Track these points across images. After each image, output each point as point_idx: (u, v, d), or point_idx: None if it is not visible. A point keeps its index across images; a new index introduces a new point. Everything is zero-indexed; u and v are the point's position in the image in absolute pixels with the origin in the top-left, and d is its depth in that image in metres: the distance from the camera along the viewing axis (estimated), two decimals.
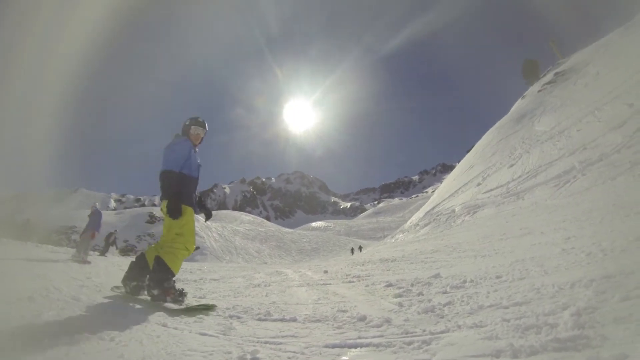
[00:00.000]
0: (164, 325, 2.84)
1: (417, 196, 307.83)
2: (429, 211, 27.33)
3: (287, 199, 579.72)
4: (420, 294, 3.40)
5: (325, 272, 7.63)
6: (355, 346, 2.11)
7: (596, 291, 2.24)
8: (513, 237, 6.94)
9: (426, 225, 22.87)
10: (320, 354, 2.06)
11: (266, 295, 4.87)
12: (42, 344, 2.14)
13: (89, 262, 11.36)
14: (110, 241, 22.07)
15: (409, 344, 2.02)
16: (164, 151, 4.50)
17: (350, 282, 5.27)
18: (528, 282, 2.95)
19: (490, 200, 17.72)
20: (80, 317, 2.98)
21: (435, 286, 3.62)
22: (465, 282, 3.53)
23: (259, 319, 3.18)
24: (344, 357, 1.97)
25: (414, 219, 32.51)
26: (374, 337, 2.24)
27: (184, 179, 4.51)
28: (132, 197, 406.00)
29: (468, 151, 44.97)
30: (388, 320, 2.52)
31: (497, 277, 3.43)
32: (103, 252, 19.90)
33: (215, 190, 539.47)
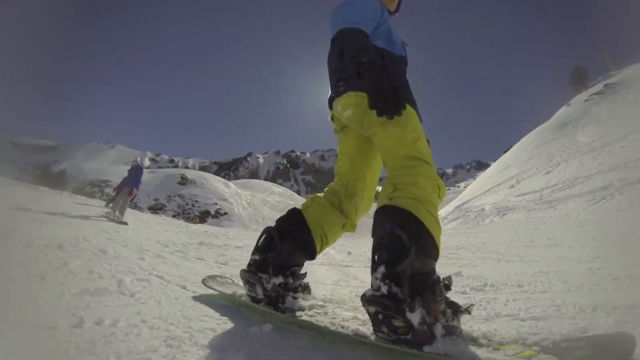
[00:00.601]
0: (184, 287, 2.89)
1: (449, 189, 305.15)
2: (458, 206, 26.97)
3: (320, 175, 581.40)
4: None
5: (349, 253, 7.63)
6: None
7: (618, 320, 2.14)
8: (540, 246, 6.71)
9: (454, 220, 22.58)
10: None
11: None
12: (65, 292, 2.22)
13: (126, 223, 10.31)
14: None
15: None
16: (337, 8, 2.26)
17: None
18: (549, 297, 2.85)
19: (521, 205, 17.21)
20: (105, 270, 3.06)
21: (455, 285, 3.48)
22: (485, 285, 3.46)
23: None
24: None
25: (443, 212, 32.17)
26: None
27: (385, 56, 2.20)
28: (166, 157, 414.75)
29: (505, 151, 44.02)
30: None
31: (519, 286, 3.33)
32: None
33: (248, 159, 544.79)
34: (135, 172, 12.82)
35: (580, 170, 17.91)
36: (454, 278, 3.75)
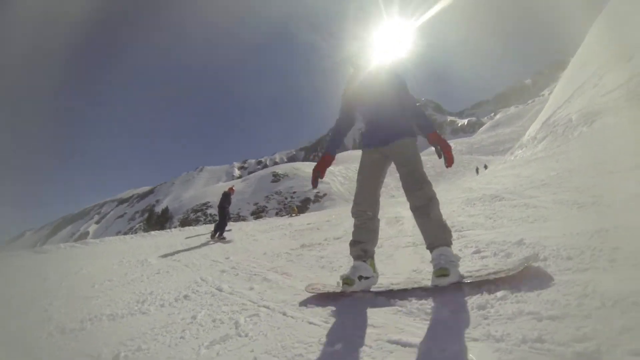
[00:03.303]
0: (284, 314, 3.67)
1: (533, 101, 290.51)
2: (545, 121, 25.69)
3: None
4: None
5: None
6: None
7: None
8: (624, 169, 6.56)
9: (544, 138, 21.67)
10: (373, 357, 2.43)
11: None
12: (201, 346, 3.14)
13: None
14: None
15: None
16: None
17: None
18: (586, 279, 2.71)
19: (608, 106, 15.85)
20: (224, 314, 4.02)
21: (512, 260, 3.70)
22: (538, 257, 3.43)
23: (357, 303, 3.60)
24: None
25: (532, 130, 30.61)
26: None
27: None
28: (253, 161, 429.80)
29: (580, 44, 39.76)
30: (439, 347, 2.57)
31: (568, 259, 3.23)
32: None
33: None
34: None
35: None
36: (514, 249, 4.05)
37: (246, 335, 3.21)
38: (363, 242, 3.74)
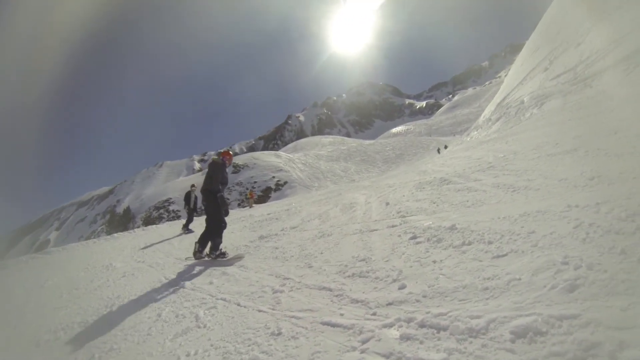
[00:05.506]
0: (238, 304, 4.14)
1: (490, 82, 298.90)
2: (499, 103, 26.46)
3: (362, 111, 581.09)
4: (419, 260, 3.91)
5: (387, 204, 8.01)
6: None
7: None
8: (561, 152, 6.86)
9: (497, 119, 22.41)
10: (307, 337, 2.97)
11: (321, 253, 5.57)
12: (166, 340, 3.55)
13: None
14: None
15: None
16: None
17: (393, 226, 5.77)
18: (493, 269, 3.15)
19: (557, 89, 16.77)
20: (185, 309, 4.46)
21: (441, 246, 4.11)
22: (463, 244, 3.90)
23: (299, 291, 4.15)
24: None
25: (487, 112, 31.51)
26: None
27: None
28: (212, 152, 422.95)
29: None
30: (359, 326, 2.94)
31: (489, 243, 3.70)
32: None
33: (290, 122, 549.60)
34: None
35: (612, 32, 16.22)
36: (445, 234, 4.43)
37: (205, 326, 3.68)
38: None
